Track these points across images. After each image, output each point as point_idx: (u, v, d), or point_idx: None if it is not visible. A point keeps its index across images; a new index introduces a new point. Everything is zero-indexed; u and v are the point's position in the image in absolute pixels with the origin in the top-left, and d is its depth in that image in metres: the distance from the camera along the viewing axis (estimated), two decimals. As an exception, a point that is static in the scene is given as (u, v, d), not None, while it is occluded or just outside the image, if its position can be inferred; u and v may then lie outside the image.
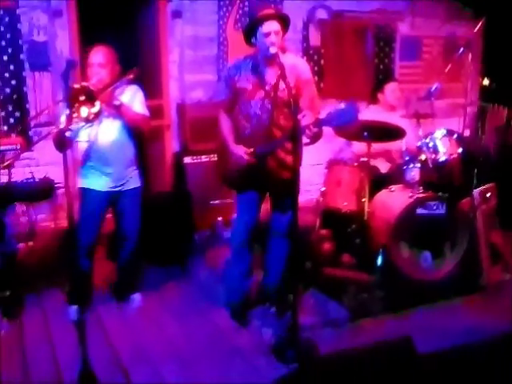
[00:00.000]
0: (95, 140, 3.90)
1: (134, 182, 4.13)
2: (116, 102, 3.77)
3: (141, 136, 4.13)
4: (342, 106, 3.45)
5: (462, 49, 5.20)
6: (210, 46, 5.72)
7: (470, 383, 3.29)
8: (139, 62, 5.69)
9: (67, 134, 3.40)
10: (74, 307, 3.82)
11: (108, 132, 3.92)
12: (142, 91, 4.08)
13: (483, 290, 4.55)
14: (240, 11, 5.67)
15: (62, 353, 3.61)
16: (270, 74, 3.78)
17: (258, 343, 3.75)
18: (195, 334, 3.89)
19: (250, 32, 3.71)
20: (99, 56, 3.86)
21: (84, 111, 3.36)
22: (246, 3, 5.65)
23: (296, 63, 3.83)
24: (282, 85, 3.71)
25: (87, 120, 3.39)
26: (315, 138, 3.64)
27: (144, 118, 4.02)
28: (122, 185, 4.06)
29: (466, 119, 5.37)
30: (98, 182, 3.98)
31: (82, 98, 3.35)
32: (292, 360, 3.44)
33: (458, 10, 6.57)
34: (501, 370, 3.36)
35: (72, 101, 3.35)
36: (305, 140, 3.66)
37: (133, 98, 3.98)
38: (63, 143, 3.49)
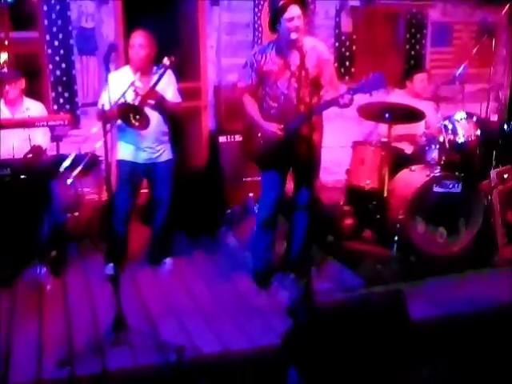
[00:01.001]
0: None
1: (166, 154, 4.55)
2: (158, 98, 4.22)
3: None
4: (371, 74, 3.79)
5: (486, 34, 5.35)
6: (246, 32, 6.05)
7: (466, 348, 3.58)
8: (179, 46, 6.06)
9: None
10: (111, 264, 4.28)
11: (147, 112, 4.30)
12: (174, 77, 4.45)
13: (496, 266, 4.75)
14: (274, -1, 5.98)
15: (99, 304, 4.04)
16: (294, 56, 4.05)
17: (275, 304, 4.10)
18: (219, 295, 4.28)
19: (274, 19, 4.00)
20: (139, 38, 4.28)
21: (137, 122, 4.01)
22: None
23: (315, 45, 4.12)
24: (305, 64, 4.01)
25: (140, 124, 3.99)
26: (346, 105, 3.96)
27: (177, 106, 4.46)
28: (156, 157, 4.48)
29: (489, 103, 5.54)
30: (135, 155, 4.41)
31: (131, 115, 3.96)
32: (303, 320, 3.77)
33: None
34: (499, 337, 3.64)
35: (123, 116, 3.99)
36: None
37: (168, 85, 4.38)
38: (106, 119, 4.02)
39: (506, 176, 5.06)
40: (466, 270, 4.63)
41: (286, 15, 3.91)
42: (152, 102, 4.23)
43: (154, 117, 4.32)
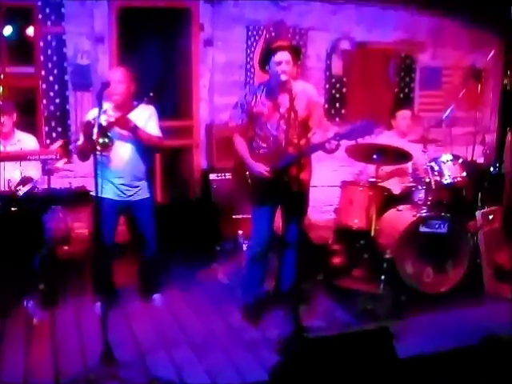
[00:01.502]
0: (110, 154, 4.29)
1: (143, 193, 4.53)
2: (131, 125, 4.24)
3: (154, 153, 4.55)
4: (359, 122, 3.90)
5: (471, 79, 5.50)
6: (239, 73, 6.18)
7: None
8: (173, 85, 6.17)
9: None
10: (99, 304, 4.29)
11: (122, 148, 4.33)
12: (156, 113, 4.49)
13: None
14: (267, 42, 6.12)
15: (88, 338, 4.03)
16: (283, 98, 4.18)
17: (265, 340, 4.12)
18: (210, 328, 4.31)
19: (264, 61, 4.14)
20: (117, 74, 4.35)
21: (100, 141, 3.96)
22: (273, 34, 6.12)
23: (305, 88, 4.25)
24: (295, 107, 4.15)
25: (103, 147, 3.95)
26: (333, 151, 4.04)
27: (156, 139, 4.45)
28: (132, 196, 4.47)
29: (475, 146, 5.67)
30: (109, 192, 4.37)
31: (95, 131, 3.93)
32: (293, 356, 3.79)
33: (479, 41, 6.86)
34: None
35: (88, 132, 3.99)
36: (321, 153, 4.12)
37: (148, 120, 4.42)
38: (84, 156, 4.26)
39: (491, 217, 5.16)
40: (455, 308, 4.66)
41: (275, 59, 4.05)
42: (124, 130, 4.24)
43: (129, 152, 4.36)
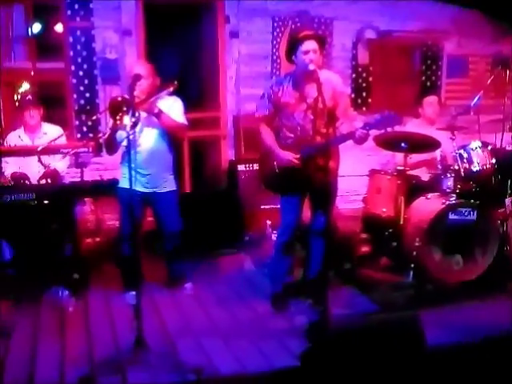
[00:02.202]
0: (136, 144, 4.28)
1: (169, 185, 4.59)
2: (155, 110, 4.27)
3: (179, 143, 4.59)
4: (388, 112, 3.92)
5: (499, 66, 5.46)
6: (265, 63, 6.21)
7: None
8: (199, 77, 6.23)
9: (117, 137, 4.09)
10: (131, 293, 4.36)
11: (148, 137, 4.38)
12: (181, 102, 4.53)
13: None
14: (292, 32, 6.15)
15: (119, 325, 4.13)
16: (310, 88, 4.19)
17: (292, 328, 4.16)
18: (237, 317, 4.36)
19: (291, 51, 4.16)
20: (141, 69, 4.34)
21: (126, 120, 3.87)
22: (298, 25, 6.14)
23: (330, 77, 4.25)
24: (321, 97, 4.16)
25: (128, 127, 3.83)
26: (362, 140, 4.06)
27: (181, 126, 4.49)
28: (157, 187, 4.51)
29: (503, 133, 5.62)
30: (137, 183, 4.33)
31: (124, 108, 3.89)
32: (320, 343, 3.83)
33: (503, 29, 6.79)
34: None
35: (115, 111, 3.96)
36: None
37: (172, 107, 4.45)
38: (111, 146, 4.31)
39: (520, 205, 5.10)
40: (482, 298, 4.64)
41: (302, 48, 4.06)
42: (150, 115, 4.27)
43: (155, 141, 4.41)
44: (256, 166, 5.87)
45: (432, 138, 5.08)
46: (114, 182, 5.06)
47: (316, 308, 4.38)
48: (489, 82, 5.66)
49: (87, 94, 5.80)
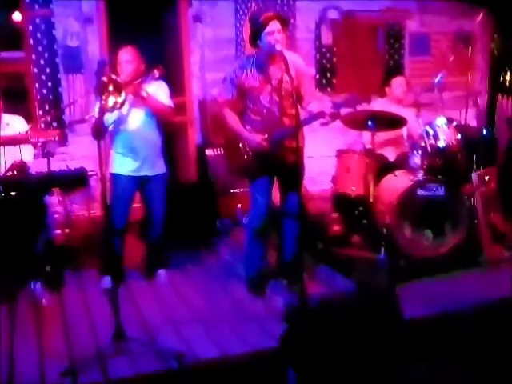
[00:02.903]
0: (125, 128, 4.37)
1: (160, 168, 4.61)
2: (143, 93, 4.27)
3: (166, 126, 4.59)
4: (356, 92, 3.96)
5: (461, 43, 5.52)
6: (228, 47, 6.17)
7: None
8: (163, 63, 6.13)
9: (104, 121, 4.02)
10: (108, 277, 4.35)
11: (136, 121, 4.41)
12: (166, 86, 4.56)
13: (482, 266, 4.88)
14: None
15: (97, 316, 4.11)
16: (275, 70, 4.21)
17: (271, 310, 4.19)
18: (215, 303, 4.38)
19: (256, 33, 4.12)
20: (126, 54, 4.38)
21: (111, 100, 3.85)
22: (261, 6, 6.12)
23: (292, 58, 4.20)
24: (285, 77, 4.15)
25: (114, 108, 3.84)
26: (332, 119, 4.10)
27: (168, 108, 4.52)
28: (151, 170, 4.53)
29: (467, 110, 5.71)
30: (128, 168, 4.46)
31: (110, 88, 3.85)
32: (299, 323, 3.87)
33: (464, 6, 6.87)
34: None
35: (101, 91, 3.88)
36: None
37: (158, 90, 4.47)
38: (99, 131, 4.09)
39: (486, 178, 5.20)
40: (454, 271, 4.74)
41: (267, 29, 4.04)
42: (138, 94, 4.24)
43: (144, 124, 4.41)
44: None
45: (398, 115, 5.14)
46: (83, 171, 5.01)
47: (292, 288, 4.43)
48: (451, 59, 5.69)
49: (49, 84, 5.67)
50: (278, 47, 4.02)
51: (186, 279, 4.85)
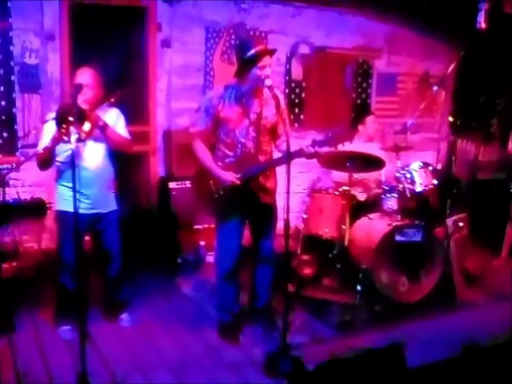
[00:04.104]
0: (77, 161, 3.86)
1: (112, 204, 4.19)
2: (101, 123, 3.86)
3: (122, 159, 4.23)
4: (337, 130, 3.76)
5: (435, 87, 5.49)
6: (197, 76, 5.91)
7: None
8: (127, 88, 5.80)
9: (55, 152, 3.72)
10: (66, 327, 3.96)
11: (89, 154, 3.96)
12: (123, 117, 4.17)
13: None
14: (227, 44, 5.92)
15: (56, 365, 3.67)
16: (255, 104, 3.97)
17: (248, 359, 3.89)
18: (187, 348, 4.04)
19: (246, 66, 3.86)
20: (85, 77, 3.92)
21: (73, 131, 3.46)
22: (233, 37, 5.92)
23: (275, 93, 3.92)
24: (265, 113, 3.98)
25: (74, 140, 3.41)
26: (311, 158, 3.92)
27: (127, 141, 4.14)
28: (101, 207, 4.09)
29: (439, 153, 5.67)
30: (77, 204, 3.70)
31: (73, 117, 3.47)
32: (283, 376, 3.60)
33: (432, 49, 6.92)
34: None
35: (63, 119, 3.53)
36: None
37: (116, 121, 4.08)
38: (48, 161, 3.86)
39: (461, 224, 5.13)
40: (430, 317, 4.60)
41: (260, 63, 3.81)
42: (97, 124, 3.84)
43: (99, 157, 4.01)
44: (189, 184, 5.59)
45: (376, 157, 5.03)
46: (41, 201, 4.59)
47: (269, 335, 4.16)
48: (423, 102, 5.63)
49: (3, 103, 5.22)
50: (269, 82, 3.81)
51: (152, 319, 4.47)
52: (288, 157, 3.68)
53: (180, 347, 4.06)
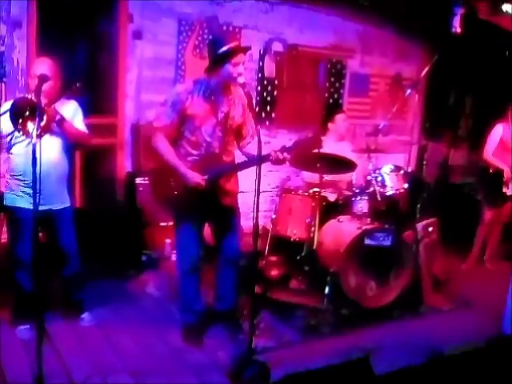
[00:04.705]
0: (30, 156, 3.53)
1: (65, 200, 4.04)
2: (57, 117, 3.71)
3: (88, 152, 4.10)
4: (308, 134, 3.67)
5: (409, 89, 5.46)
6: (168, 68, 5.76)
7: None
8: (96, 78, 5.65)
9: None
10: (25, 326, 3.83)
11: (45, 148, 3.61)
12: (81, 111, 4.03)
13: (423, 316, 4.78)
14: (199, 38, 5.78)
15: (11, 367, 3.52)
16: (223, 102, 3.86)
17: (213, 362, 3.81)
18: (150, 350, 3.92)
19: (218, 62, 3.74)
20: (43, 68, 3.74)
21: (30, 126, 3.32)
22: (206, 31, 5.79)
23: (241, 93, 3.85)
24: (232, 112, 3.87)
25: (32, 135, 3.25)
26: (279, 163, 3.80)
27: (84, 135, 3.99)
28: (53, 204, 3.92)
29: (410, 156, 5.64)
30: (28, 200, 3.75)
31: (30, 111, 3.33)
32: (248, 382, 3.52)
33: (406, 51, 6.89)
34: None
35: (20, 114, 3.38)
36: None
37: (74, 115, 3.93)
38: None
39: (430, 229, 5.12)
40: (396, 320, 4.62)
41: (234, 60, 3.70)
42: (54, 118, 3.70)
43: (53, 151, 3.85)
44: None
45: (348, 159, 4.97)
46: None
47: (234, 338, 4.07)
48: (396, 104, 5.60)
49: (-35, 91, 5.03)
50: (242, 80, 3.71)
51: (114, 319, 4.32)
52: (260, 160, 3.55)
53: (142, 349, 3.94)
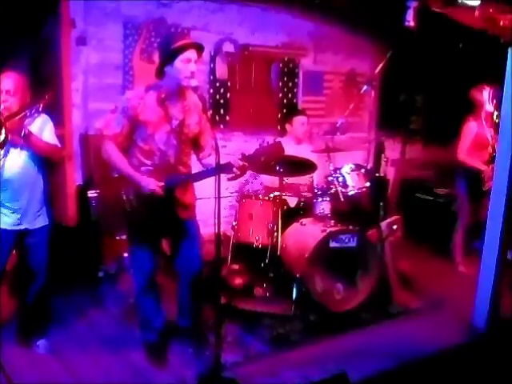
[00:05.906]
0: (0, 172, 3.56)
1: (42, 219, 3.84)
2: (24, 132, 3.50)
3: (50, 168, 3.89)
4: (269, 142, 3.49)
5: (365, 86, 5.36)
6: (116, 74, 5.53)
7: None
8: (38, 87, 5.35)
9: None
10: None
11: (15, 164, 3.62)
12: (51, 121, 3.83)
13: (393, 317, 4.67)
14: (146, 41, 5.56)
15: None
16: (178, 109, 3.64)
17: (179, 382, 3.62)
18: (112, 374, 3.71)
19: (166, 60, 3.53)
20: (7, 83, 3.57)
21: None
22: (153, 33, 5.57)
23: (196, 100, 3.65)
24: (188, 120, 3.67)
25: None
26: (243, 171, 3.56)
27: (55, 149, 3.79)
28: (30, 223, 3.75)
29: (370, 153, 5.54)
30: (3, 220, 3.63)
31: None
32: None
33: (359, 47, 6.80)
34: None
35: None
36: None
37: (42, 128, 3.72)
38: None
39: (394, 227, 5.02)
40: (366, 323, 4.50)
41: (183, 57, 3.48)
42: (19, 133, 3.49)
43: (25, 167, 3.65)
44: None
45: (309, 160, 4.84)
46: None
47: (200, 355, 3.87)
48: (352, 102, 5.50)
49: None
50: (194, 83, 3.49)
51: (71, 344, 4.06)
52: (218, 169, 3.34)
53: (103, 373, 3.71)
